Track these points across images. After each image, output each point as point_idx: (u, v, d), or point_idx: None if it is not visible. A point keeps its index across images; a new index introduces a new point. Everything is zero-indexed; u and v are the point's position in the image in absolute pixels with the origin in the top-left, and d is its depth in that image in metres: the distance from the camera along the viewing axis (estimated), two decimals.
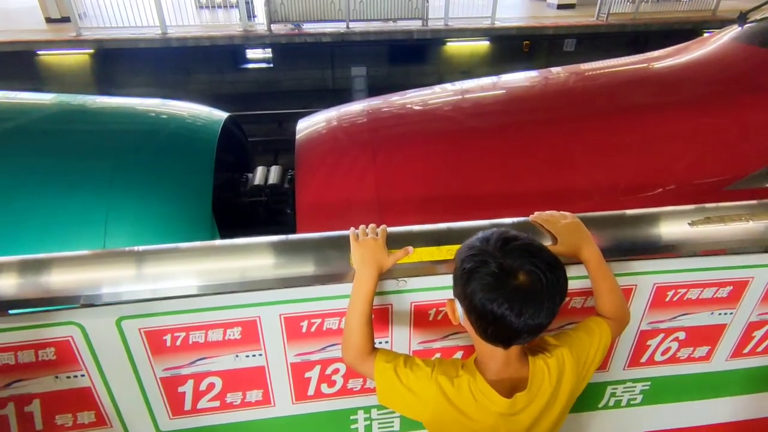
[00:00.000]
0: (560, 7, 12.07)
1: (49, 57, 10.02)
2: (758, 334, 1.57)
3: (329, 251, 1.21)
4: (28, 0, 10.63)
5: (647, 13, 10.94)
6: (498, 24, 10.41)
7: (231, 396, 1.38)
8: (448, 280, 1.05)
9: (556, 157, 2.44)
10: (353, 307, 1.11)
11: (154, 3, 8.98)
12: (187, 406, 1.37)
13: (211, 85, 11.01)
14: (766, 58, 2.70)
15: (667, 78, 2.91)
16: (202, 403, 1.38)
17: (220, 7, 10.98)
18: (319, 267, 1.20)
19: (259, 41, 9.90)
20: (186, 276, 1.17)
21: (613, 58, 3.27)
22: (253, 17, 10.15)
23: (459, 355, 1.42)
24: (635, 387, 1.62)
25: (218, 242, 1.25)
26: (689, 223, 1.30)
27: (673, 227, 1.30)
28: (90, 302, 1.16)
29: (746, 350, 1.60)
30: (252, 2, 10.16)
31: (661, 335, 1.51)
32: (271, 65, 11.10)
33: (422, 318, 1.34)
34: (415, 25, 9.96)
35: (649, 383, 1.62)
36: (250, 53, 10.91)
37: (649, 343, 1.52)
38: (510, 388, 1.02)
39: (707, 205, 1.35)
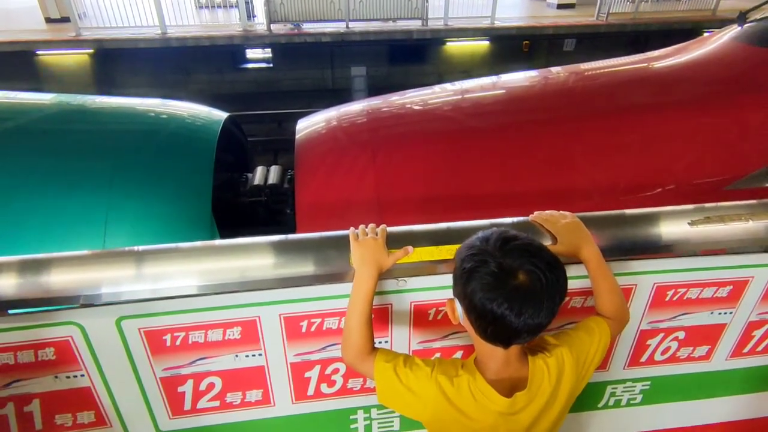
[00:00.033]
0: (560, 6, 12.07)
1: (48, 57, 10.01)
2: (758, 333, 1.57)
3: (329, 251, 1.21)
4: (28, 0, 10.62)
5: (647, 12, 10.94)
6: (498, 24, 10.41)
7: (231, 396, 1.38)
8: (447, 279, 1.05)
9: (556, 156, 2.44)
10: (353, 307, 1.11)
11: (154, 3, 8.98)
12: (187, 405, 1.37)
13: (210, 85, 11.01)
14: (766, 57, 2.70)
15: (667, 78, 2.91)
16: (202, 403, 1.38)
17: (219, 6, 10.98)
18: (319, 267, 1.20)
19: (258, 41, 9.91)
20: (186, 276, 1.17)
21: (613, 58, 3.26)
22: (253, 17, 10.15)
23: (459, 354, 1.42)
24: (635, 386, 1.62)
25: (218, 242, 1.25)
26: (689, 223, 1.30)
27: (672, 227, 1.30)
28: (90, 302, 1.16)
29: (746, 350, 1.60)
30: (252, 2, 10.16)
31: (661, 335, 1.51)
32: (271, 65, 11.10)
33: (422, 318, 1.34)
34: (414, 24, 9.96)
35: (648, 383, 1.62)
36: (250, 53, 10.91)
37: (648, 342, 1.52)
38: (510, 387, 1.02)
39: (707, 205, 1.35)
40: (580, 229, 1.19)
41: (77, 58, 10.11)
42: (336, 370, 1.39)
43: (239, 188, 2.94)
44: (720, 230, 1.30)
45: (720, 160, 2.41)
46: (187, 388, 1.34)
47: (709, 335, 1.54)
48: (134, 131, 2.65)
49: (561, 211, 1.25)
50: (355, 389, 1.44)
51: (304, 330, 1.30)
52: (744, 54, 2.81)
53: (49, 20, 10.03)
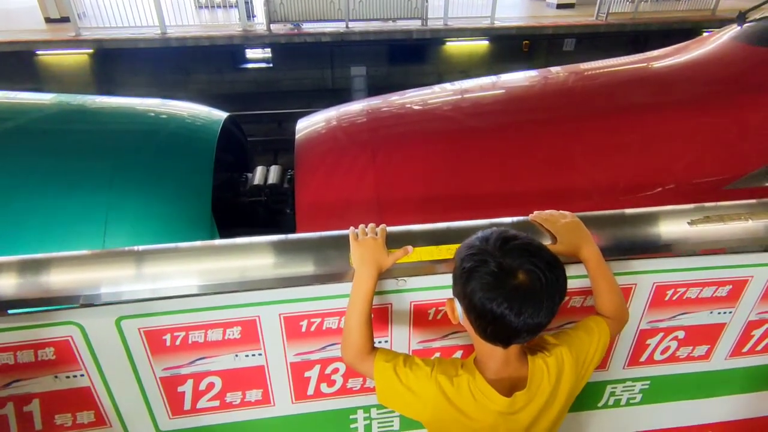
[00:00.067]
0: (560, 6, 12.08)
1: (48, 57, 10.01)
2: (757, 333, 1.57)
3: (329, 251, 1.21)
4: (28, 0, 10.62)
5: (647, 12, 10.95)
6: (497, 24, 10.41)
7: (231, 395, 1.38)
8: (447, 279, 1.05)
9: (556, 156, 2.44)
10: (353, 307, 1.11)
11: (154, 3, 8.98)
12: (187, 405, 1.37)
13: (210, 85, 11.01)
14: (766, 57, 2.70)
15: (667, 78, 2.91)
16: (202, 403, 1.38)
17: (219, 6, 10.98)
18: (319, 266, 1.20)
19: (258, 41, 9.91)
20: (185, 276, 1.17)
21: (613, 58, 3.27)
22: (253, 17, 10.15)
23: (458, 354, 1.42)
24: (634, 386, 1.62)
25: (218, 242, 1.25)
26: (689, 223, 1.30)
27: (672, 226, 1.30)
28: (89, 302, 1.16)
29: (745, 349, 1.61)
30: (251, 2, 10.16)
31: (661, 334, 1.51)
32: (271, 65, 11.10)
33: (422, 317, 1.34)
34: (414, 24, 9.96)
35: (648, 382, 1.62)
36: (250, 53, 10.91)
37: (648, 342, 1.53)
38: (509, 387, 1.02)
39: (706, 205, 1.35)
40: (580, 229, 1.19)
41: (77, 58, 10.11)
42: (336, 370, 1.39)
43: (239, 188, 2.94)
44: (719, 230, 1.30)
45: (719, 160, 2.42)
46: (187, 387, 1.34)
47: (709, 335, 1.54)
48: (134, 131, 2.65)
49: (561, 211, 1.25)
50: (354, 389, 1.44)
51: (303, 330, 1.30)
52: (743, 54, 2.81)
53: (48, 20, 10.02)
